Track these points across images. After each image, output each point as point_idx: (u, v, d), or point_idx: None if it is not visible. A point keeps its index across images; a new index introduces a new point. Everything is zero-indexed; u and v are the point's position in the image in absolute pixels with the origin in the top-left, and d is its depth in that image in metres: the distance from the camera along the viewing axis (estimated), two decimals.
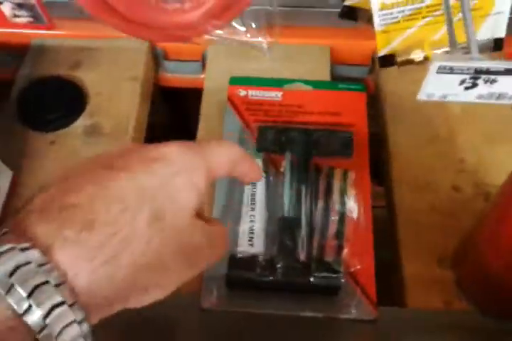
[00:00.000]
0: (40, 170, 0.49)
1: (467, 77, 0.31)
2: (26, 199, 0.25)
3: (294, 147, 0.47)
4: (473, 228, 0.40)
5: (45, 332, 0.21)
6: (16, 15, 0.41)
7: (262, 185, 0.45)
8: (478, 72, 0.30)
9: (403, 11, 0.39)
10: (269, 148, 0.48)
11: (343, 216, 0.44)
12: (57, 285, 0.21)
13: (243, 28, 0.41)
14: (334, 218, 0.44)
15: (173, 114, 0.75)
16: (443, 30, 0.40)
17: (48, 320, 0.21)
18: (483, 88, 0.32)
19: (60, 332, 0.21)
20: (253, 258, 0.42)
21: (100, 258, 0.22)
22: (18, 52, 0.57)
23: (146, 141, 0.55)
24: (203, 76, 0.58)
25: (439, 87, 0.32)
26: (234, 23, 0.41)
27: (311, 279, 0.41)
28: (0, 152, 0.46)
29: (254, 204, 0.44)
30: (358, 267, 0.42)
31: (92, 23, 0.56)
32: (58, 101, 0.52)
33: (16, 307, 0.20)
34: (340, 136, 0.48)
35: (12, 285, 0.21)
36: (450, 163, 0.48)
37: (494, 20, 0.39)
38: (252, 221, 0.44)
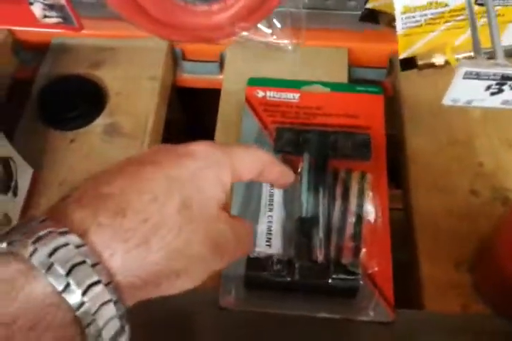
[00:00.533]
0: (60, 167, 0.49)
1: (493, 83, 0.31)
2: (63, 195, 0.26)
3: (312, 148, 0.47)
4: (491, 232, 0.40)
5: (82, 309, 0.22)
6: (46, 16, 0.42)
7: None
8: (504, 78, 0.31)
9: (426, 15, 0.39)
10: (287, 150, 0.48)
11: (360, 218, 0.44)
12: (93, 265, 0.22)
13: (269, 30, 0.42)
14: (351, 220, 0.44)
15: (188, 114, 0.75)
16: (465, 35, 0.41)
17: (85, 298, 0.22)
18: (508, 94, 0.32)
19: (97, 310, 0.22)
20: (271, 258, 0.42)
21: (133, 240, 0.24)
22: (38, 50, 0.58)
23: (163, 140, 0.56)
24: (220, 76, 0.59)
25: (464, 92, 0.32)
26: (260, 25, 0.41)
27: (329, 281, 0.41)
28: (21, 150, 0.47)
29: (272, 205, 0.45)
30: (376, 269, 0.42)
31: (112, 23, 0.57)
32: (78, 100, 0.52)
33: (55, 284, 0.21)
34: (357, 138, 0.48)
35: (51, 264, 0.22)
36: (468, 166, 0.48)
37: None
38: (269, 221, 0.44)
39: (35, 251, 0.22)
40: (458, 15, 0.39)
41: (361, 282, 0.41)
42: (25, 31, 0.57)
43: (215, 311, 0.41)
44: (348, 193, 0.45)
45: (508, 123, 0.50)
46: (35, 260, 0.22)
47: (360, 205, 0.45)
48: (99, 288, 0.22)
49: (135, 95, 0.54)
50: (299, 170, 0.47)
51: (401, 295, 0.41)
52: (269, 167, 0.31)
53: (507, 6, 0.38)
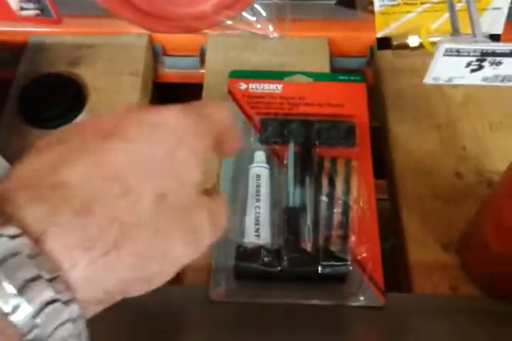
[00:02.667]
0: None
1: (473, 59, 0.31)
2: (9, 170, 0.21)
3: (297, 138, 0.48)
4: (477, 213, 0.40)
5: (34, 332, 0.18)
6: (22, 8, 0.41)
7: (267, 176, 0.45)
8: (484, 54, 0.31)
9: None
10: (272, 140, 0.48)
11: (346, 205, 0.44)
12: (50, 280, 0.18)
13: (253, 18, 0.42)
14: (338, 207, 0.44)
15: None
16: (441, 19, 0.41)
17: (38, 320, 0.18)
18: (488, 70, 0.32)
19: (52, 333, 0.19)
20: (260, 248, 0.42)
21: (100, 247, 0.19)
22: (16, 50, 0.57)
23: None
24: (201, 71, 0.59)
25: (445, 70, 0.32)
26: (244, 14, 0.41)
27: (319, 268, 0.41)
28: (1, 149, 0.46)
29: (258, 195, 0.45)
30: (364, 255, 0.42)
31: (90, 20, 0.56)
32: (59, 98, 0.52)
33: (1, 305, 0.18)
34: (342, 126, 0.48)
35: None
36: (452, 150, 0.48)
37: (492, 16, 0.40)
38: (257, 212, 0.44)
39: None
40: None
41: (350, 268, 0.41)
42: (2, 31, 0.57)
43: (205, 305, 0.41)
44: (334, 181, 0.45)
45: (489, 106, 0.50)
46: None
47: (347, 192, 0.45)
48: (55, 306, 0.18)
49: (116, 92, 0.53)
50: (285, 159, 0.47)
51: (390, 281, 0.41)
52: (229, 132, 0.26)
53: None
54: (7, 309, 0.18)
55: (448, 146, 0.48)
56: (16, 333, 0.18)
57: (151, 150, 0.22)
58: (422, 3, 0.39)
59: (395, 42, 0.43)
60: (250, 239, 0.42)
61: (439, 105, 0.51)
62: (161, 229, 0.21)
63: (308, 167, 0.46)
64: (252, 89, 0.53)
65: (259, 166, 0.46)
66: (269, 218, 0.43)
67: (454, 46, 0.30)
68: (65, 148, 0.21)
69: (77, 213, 0.19)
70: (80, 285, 0.19)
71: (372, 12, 0.42)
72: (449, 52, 0.30)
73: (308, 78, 0.53)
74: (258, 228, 0.43)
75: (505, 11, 0.39)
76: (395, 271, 0.45)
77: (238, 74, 0.53)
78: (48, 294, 0.18)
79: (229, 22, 0.40)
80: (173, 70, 0.61)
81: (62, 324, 0.19)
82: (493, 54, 0.31)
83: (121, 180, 0.21)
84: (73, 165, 0.20)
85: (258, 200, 0.44)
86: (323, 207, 0.44)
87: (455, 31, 0.34)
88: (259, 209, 0.44)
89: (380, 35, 0.41)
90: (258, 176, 0.45)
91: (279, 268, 0.41)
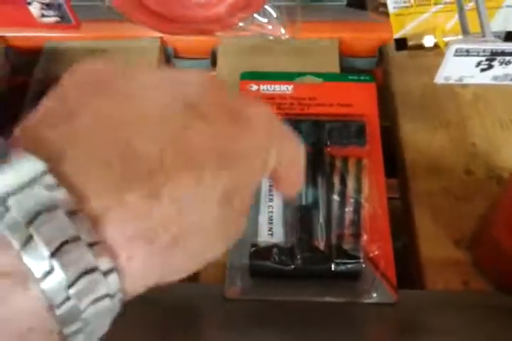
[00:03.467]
0: None
1: (483, 59, 0.32)
2: (54, 102, 0.18)
3: (308, 138, 0.48)
4: (488, 210, 0.41)
5: (67, 305, 0.16)
6: (43, 15, 0.43)
7: None
8: (493, 54, 0.32)
9: None
10: None
11: (358, 203, 0.45)
12: (105, 274, 0.16)
13: (265, 20, 0.43)
14: (350, 206, 0.45)
15: None
16: (455, 19, 0.41)
17: (72, 290, 0.16)
18: (498, 69, 0.33)
19: (86, 309, 0.16)
20: (274, 247, 0.43)
21: (162, 241, 0.17)
22: (31, 56, 0.59)
23: None
24: (212, 73, 0.60)
25: (456, 69, 0.33)
26: (256, 16, 0.42)
27: (332, 266, 0.41)
28: None
29: (271, 195, 0.45)
30: (377, 252, 0.43)
31: (103, 24, 0.58)
32: None
33: (51, 297, 0.15)
34: (352, 125, 0.49)
35: (52, 269, 0.15)
36: (462, 147, 0.48)
37: (506, 13, 0.40)
38: (270, 211, 0.45)
39: (29, 239, 0.15)
40: None
41: (363, 265, 0.42)
42: (18, 37, 0.58)
43: (220, 302, 0.42)
44: (346, 180, 0.46)
45: (499, 104, 0.51)
46: (29, 257, 0.15)
47: (358, 190, 0.45)
48: (104, 301, 0.17)
49: None
50: None
51: (403, 278, 0.42)
52: (294, 165, 0.24)
53: None
54: (39, 273, 0.15)
55: (458, 144, 0.49)
56: (45, 305, 0.15)
57: (230, 146, 0.19)
58: (435, 4, 0.40)
59: (410, 43, 0.43)
60: (264, 238, 0.43)
61: (448, 104, 0.51)
62: (216, 229, 0.19)
63: (320, 166, 0.47)
64: (263, 90, 0.53)
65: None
66: (282, 217, 0.44)
67: (463, 46, 0.31)
68: (136, 100, 0.18)
69: (148, 195, 0.16)
70: (131, 280, 0.17)
71: (382, 13, 0.42)
72: (459, 53, 0.31)
73: (318, 79, 0.54)
74: (271, 227, 0.44)
75: None
76: (407, 268, 0.45)
77: (249, 76, 0.54)
78: (101, 289, 0.16)
79: (241, 24, 0.41)
80: None
81: (98, 299, 0.16)
82: (503, 53, 0.32)
83: (197, 167, 0.18)
84: (148, 131, 0.17)
85: (271, 200, 0.45)
86: (335, 206, 0.45)
87: (464, 32, 0.34)
88: (272, 208, 0.45)
89: (397, 36, 0.42)
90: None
91: (292, 266, 0.42)
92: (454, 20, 0.40)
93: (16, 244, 0.15)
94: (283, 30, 0.44)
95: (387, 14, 0.42)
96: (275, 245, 0.43)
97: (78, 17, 0.51)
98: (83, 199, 0.16)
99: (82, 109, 0.18)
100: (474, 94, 0.51)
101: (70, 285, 0.15)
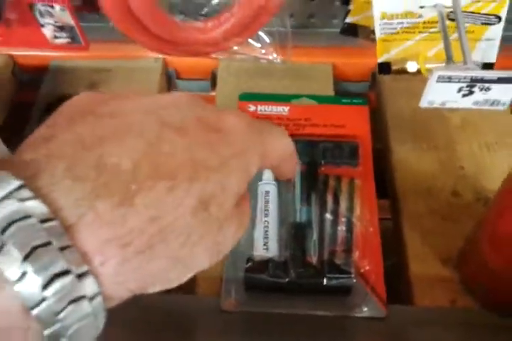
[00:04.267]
0: None
1: (464, 85, 0.34)
2: (41, 128, 0.20)
3: (303, 157, 0.50)
4: (474, 229, 0.43)
5: (43, 305, 0.17)
6: (56, 37, 0.45)
7: (275, 193, 0.48)
8: (473, 81, 0.34)
9: (402, 23, 0.43)
10: None
11: (350, 221, 0.47)
12: (78, 276, 0.17)
13: (258, 44, 0.45)
14: (342, 223, 0.47)
15: None
16: (437, 47, 0.44)
17: (46, 292, 0.17)
18: (478, 95, 0.35)
19: (63, 310, 0.17)
20: (268, 261, 0.44)
21: (135, 246, 0.18)
22: (37, 73, 0.61)
23: None
24: (212, 93, 0.62)
25: (438, 94, 0.35)
26: (250, 40, 0.45)
27: (324, 280, 0.43)
28: None
29: (267, 210, 0.47)
30: (367, 268, 0.44)
31: (107, 45, 0.60)
32: None
33: (27, 299, 0.16)
34: (346, 146, 0.51)
35: (25, 272, 0.16)
36: (450, 170, 0.51)
37: (485, 46, 0.43)
38: (266, 226, 0.46)
39: (2, 246, 0.16)
40: (431, 28, 0.42)
41: (354, 280, 0.43)
42: (25, 55, 0.60)
43: (216, 314, 0.43)
44: (338, 198, 0.48)
45: (486, 129, 0.53)
46: (4, 261, 0.16)
47: (350, 209, 0.47)
48: (81, 304, 0.17)
49: None
50: (292, 177, 0.49)
51: (392, 295, 0.44)
52: (290, 158, 0.26)
53: (475, 24, 0.42)
54: (13, 276, 0.16)
55: (446, 166, 0.51)
56: (21, 305, 0.16)
57: (206, 156, 0.20)
58: (419, 32, 0.43)
59: (394, 67, 0.46)
60: (259, 252, 0.45)
61: (437, 127, 0.54)
62: (192, 235, 0.20)
63: (313, 185, 0.48)
64: (261, 110, 0.56)
65: (267, 183, 0.48)
66: (277, 232, 0.46)
67: (445, 73, 0.33)
68: (113, 121, 0.20)
69: (119, 203, 0.18)
70: (105, 282, 0.18)
71: (373, 40, 0.45)
72: (441, 79, 0.33)
73: (313, 101, 0.56)
74: (267, 241, 0.45)
75: (497, 42, 0.42)
76: (397, 286, 0.47)
77: (248, 97, 0.56)
78: (76, 291, 0.17)
79: (235, 47, 0.44)
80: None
81: (75, 301, 0.17)
82: (482, 80, 0.34)
83: (171, 178, 0.19)
84: (122, 145, 0.19)
85: (267, 215, 0.47)
86: (328, 224, 0.47)
87: (448, 59, 0.37)
88: (268, 223, 0.46)
89: (380, 60, 0.45)
90: (267, 192, 0.48)
91: (286, 279, 0.43)
92: (435, 49, 0.43)
93: (11, 277, 0.16)
94: (275, 55, 0.47)
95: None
96: (270, 259, 0.44)
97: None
98: (56, 209, 0.17)
99: (60, 132, 0.19)
100: (462, 118, 0.54)
101: (44, 287, 0.16)
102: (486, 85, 0.34)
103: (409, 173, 0.51)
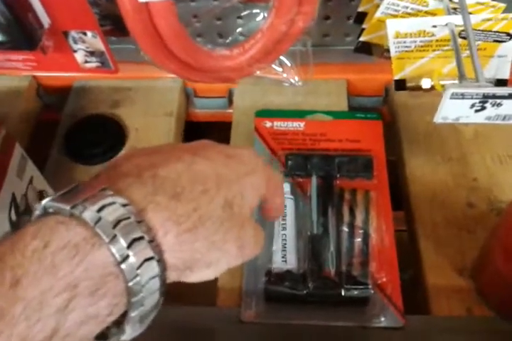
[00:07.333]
0: None
1: (476, 101, 0.35)
2: (111, 164, 0.28)
3: (319, 171, 0.52)
4: (488, 239, 0.44)
5: (135, 280, 0.24)
6: (86, 61, 0.48)
7: (292, 207, 0.49)
8: (485, 97, 0.35)
9: (415, 42, 0.44)
10: (296, 173, 0.52)
11: (366, 233, 0.48)
12: (150, 241, 0.24)
13: (280, 69, 0.47)
14: (359, 235, 0.48)
15: None
16: (451, 64, 0.45)
17: (139, 271, 0.24)
18: (490, 111, 0.36)
19: (146, 283, 0.24)
20: (287, 273, 0.45)
21: (185, 225, 0.26)
22: (61, 94, 0.63)
23: None
24: (229, 110, 0.64)
25: (452, 110, 0.37)
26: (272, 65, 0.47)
27: (342, 291, 0.44)
28: (50, 183, 0.51)
29: (285, 224, 0.48)
30: (384, 279, 0.45)
31: (129, 66, 0.62)
32: (101, 137, 0.57)
33: (117, 255, 0.23)
34: (360, 159, 0.52)
35: (115, 236, 0.24)
36: (464, 181, 0.52)
37: (498, 62, 0.44)
38: (284, 239, 0.47)
39: (99, 220, 0.24)
40: (445, 46, 0.43)
41: (372, 291, 0.44)
42: (49, 76, 0.63)
43: (237, 325, 0.44)
44: (354, 211, 0.49)
45: (498, 141, 0.54)
46: (100, 229, 0.23)
47: (366, 221, 0.48)
48: (152, 263, 0.24)
49: (153, 130, 0.59)
50: (308, 191, 0.51)
51: (410, 306, 0.44)
52: (278, 194, 0.33)
53: (487, 41, 0.43)
54: (120, 258, 0.23)
55: (460, 178, 0.52)
56: (124, 279, 0.24)
57: (226, 172, 0.29)
58: (433, 50, 0.44)
59: (409, 84, 0.47)
60: (278, 265, 0.46)
61: (451, 140, 0.55)
62: (223, 224, 0.27)
63: (329, 198, 0.50)
64: (277, 126, 0.57)
65: (284, 197, 0.50)
66: (294, 245, 0.47)
67: (459, 90, 0.34)
68: (160, 156, 0.29)
69: (170, 197, 0.26)
70: (167, 250, 0.25)
71: (386, 58, 0.46)
72: (454, 96, 0.35)
73: (328, 116, 0.58)
74: (285, 254, 0.47)
75: (510, 58, 0.43)
76: (414, 297, 0.48)
77: (264, 114, 0.58)
78: (148, 252, 0.24)
79: (258, 72, 0.46)
80: (203, 110, 0.66)
81: (153, 277, 0.25)
82: (494, 97, 0.35)
83: (203, 184, 0.28)
84: (168, 166, 0.28)
85: (284, 228, 0.48)
86: (344, 236, 0.48)
87: (461, 76, 0.38)
88: (286, 236, 0.48)
89: (396, 77, 0.46)
90: (284, 206, 0.49)
91: (304, 291, 0.44)
92: (450, 66, 0.44)
93: (106, 239, 0.24)
94: (297, 78, 0.48)
95: (390, 59, 0.46)
96: (288, 271, 0.45)
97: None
98: (131, 201, 0.25)
99: (123, 163, 0.28)
100: (475, 131, 0.55)
101: (128, 247, 0.24)
102: (498, 101, 0.35)
103: (423, 185, 0.52)
